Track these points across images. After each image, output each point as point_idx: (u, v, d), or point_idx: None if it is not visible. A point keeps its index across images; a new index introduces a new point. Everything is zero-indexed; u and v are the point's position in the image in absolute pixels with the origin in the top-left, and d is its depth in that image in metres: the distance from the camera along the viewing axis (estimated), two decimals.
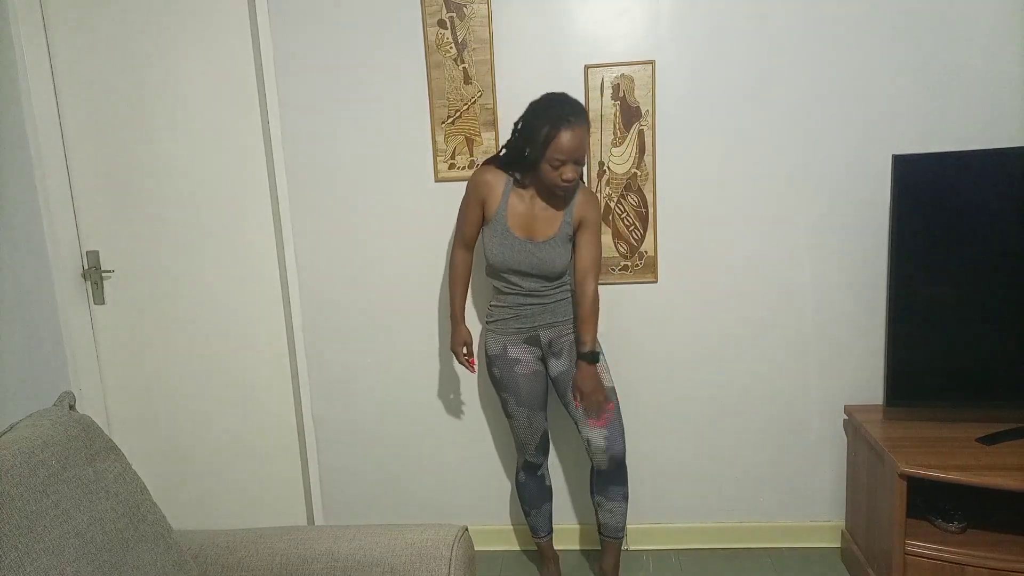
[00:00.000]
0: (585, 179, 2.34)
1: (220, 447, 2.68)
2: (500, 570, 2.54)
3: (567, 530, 2.60)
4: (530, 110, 2.00)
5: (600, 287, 2.41)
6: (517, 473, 2.35)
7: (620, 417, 2.15)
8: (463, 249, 2.19)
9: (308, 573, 1.41)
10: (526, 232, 2.06)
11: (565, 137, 1.89)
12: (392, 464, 2.65)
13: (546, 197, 2.06)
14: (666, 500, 2.58)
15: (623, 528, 2.23)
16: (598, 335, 2.12)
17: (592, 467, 2.19)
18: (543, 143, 1.91)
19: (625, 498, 2.19)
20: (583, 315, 2.07)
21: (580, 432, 2.14)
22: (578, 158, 1.94)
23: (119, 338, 2.63)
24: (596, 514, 2.25)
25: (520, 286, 2.11)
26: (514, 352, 2.15)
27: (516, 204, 2.06)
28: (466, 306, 2.49)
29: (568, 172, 1.94)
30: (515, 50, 2.31)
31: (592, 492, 2.23)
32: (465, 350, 2.26)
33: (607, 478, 2.16)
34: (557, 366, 2.16)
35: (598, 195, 2.36)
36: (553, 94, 2.00)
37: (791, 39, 2.25)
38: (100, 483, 1.25)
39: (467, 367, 2.28)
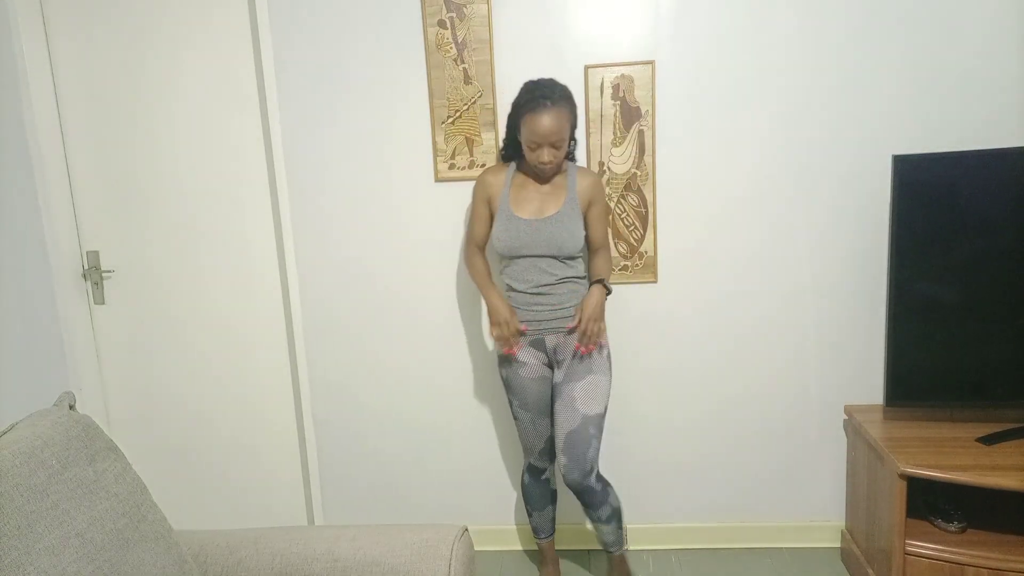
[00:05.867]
0: None
1: (220, 447, 2.68)
2: (500, 570, 2.54)
3: (569, 530, 2.60)
4: (519, 91, 2.04)
5: None
6: (522, 474, 2.35)
7: (590, 443, 2.04)
8: (476, 249, 2.21)
9: (308, 573, 1.41)
10: (530, 212, 2.07)
11: (539, 120, 1.94)
12: (392, 464, 2.65)
13: (544, 178, 2.10)
14: (666, 500, 2.58)
15: (617, 543, 2.22)
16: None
17: None
18: (522, 125, 1.99)
19: (610, 519, 2.16)
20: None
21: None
22: (554, 142, 1.97)
23: (119, 338, 2.63)
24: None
25: (534, 269, 2.06)
26: (520, 355, 2.15)
27: (518, 190, 2.11)
28: (473, 306, 2.50)
29: (544, 155, 1.99)
30: (515, 50, 2.31)
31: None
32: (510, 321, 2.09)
33: (581, 501, 2.14)
34: (558, 375, 2.14)
35: None
36: (540, 79, 2.04)
37: (791, 39, 2.25)
38: (100, 483, 1.25)
39: (513, 342, 2.10)
